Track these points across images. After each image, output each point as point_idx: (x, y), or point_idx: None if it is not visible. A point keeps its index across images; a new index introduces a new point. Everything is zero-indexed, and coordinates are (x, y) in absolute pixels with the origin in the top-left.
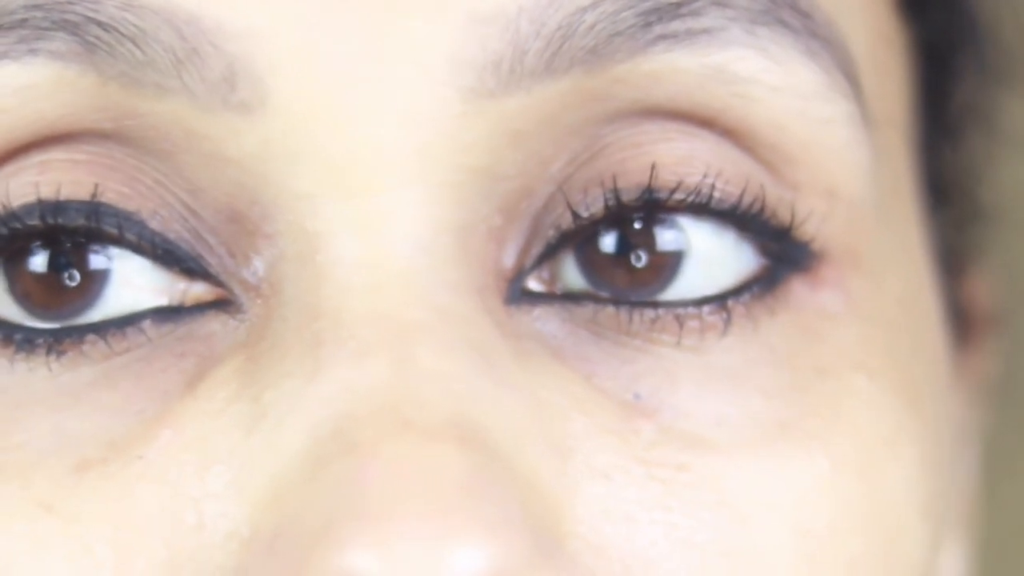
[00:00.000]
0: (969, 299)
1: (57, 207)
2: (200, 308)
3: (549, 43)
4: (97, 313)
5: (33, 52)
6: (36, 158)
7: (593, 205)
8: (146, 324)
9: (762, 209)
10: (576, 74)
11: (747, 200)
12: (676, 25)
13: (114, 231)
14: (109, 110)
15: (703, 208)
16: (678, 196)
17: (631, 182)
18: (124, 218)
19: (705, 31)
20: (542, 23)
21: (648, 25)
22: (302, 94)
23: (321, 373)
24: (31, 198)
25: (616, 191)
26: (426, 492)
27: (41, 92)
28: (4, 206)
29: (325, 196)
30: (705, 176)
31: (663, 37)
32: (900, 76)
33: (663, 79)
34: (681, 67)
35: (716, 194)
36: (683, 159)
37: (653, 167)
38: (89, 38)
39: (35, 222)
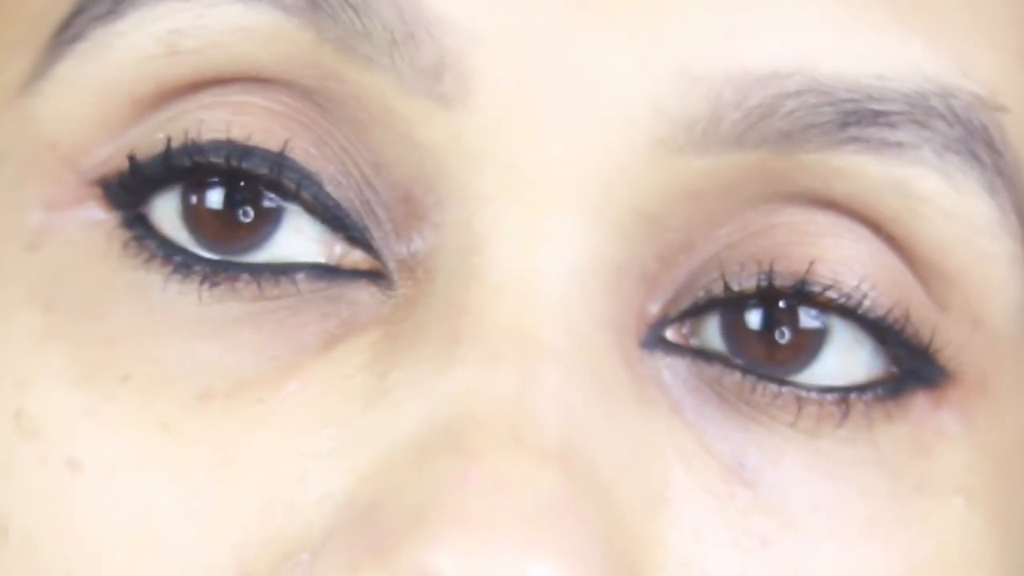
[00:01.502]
0: None
1: (245, 151)
2: (354, 274)
3: (747, 116)
4: (262, 254)
5: None
6: (235, 97)
7: (746, 282)
8: (300, 277)
9: (905, 326)
10: (764, 152)
11: (895, 315)
12: (871, 132)
13: (292, 186)
14: (318, 69)
15: (851, 312)
16: (830, 295)
17: (788, 269)
18: (304, 176)
19: (898, 144)
20: (745, 96)
21: (845, 125)
22: (503, 100)
23: (451, 369)
24: (222, 135)
25: (771, 275)
26: (519, 508)
27: (258, 36)
28: (194, 139)
29: (498, 202)
30: (861, 281)
31: (856, 139)
32: None
33: (846, 178)
34: (866, 172)
35: (866, 302)
36: (844, 259)
37: (812, 263)
38: None
39: (220, 160)
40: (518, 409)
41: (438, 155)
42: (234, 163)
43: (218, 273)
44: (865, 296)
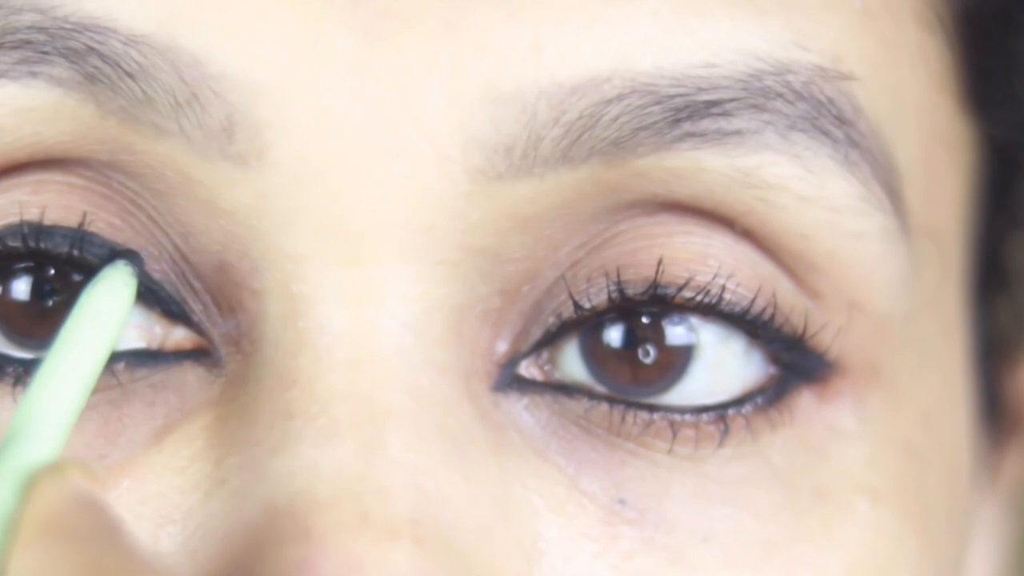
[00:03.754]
0: (1018, 392)
1: (42, 231)
2: (178, 356)
3: (568, 132)
4: None
5: (33, 75)
6: (32, 177)
7: (596, 297)
8: (120, 367)
9: (774, 315)
10: (594, 164)
11: (759, 304)
12: (706, 124)
13: (98, 262)
14: (107, 143)
15: (712, 309)
16: (686, 294)
17: (639, 275)
18: (110, 250)
19: (737, 132)
20: (562, 111)
21: (676, 122)
22: (302, 153)
23: (287, 447)
24: (15, 219)
25: (620, 284)
26: None
27: (40, 116)
28: None
29: (316, 260)
30: (716, 276)
31: (691, 135)
32: (957, 175)
33: (686, 177)
34: (707, 167)
35: (727, 295)
36: (696, 256)
37: (660, 262)
38: (89, 68)
39: (17, 244)
40: (362, 483)
41: (245, 218)
42: (32, 244)
43: (31, 372)
44: (724, 289)
